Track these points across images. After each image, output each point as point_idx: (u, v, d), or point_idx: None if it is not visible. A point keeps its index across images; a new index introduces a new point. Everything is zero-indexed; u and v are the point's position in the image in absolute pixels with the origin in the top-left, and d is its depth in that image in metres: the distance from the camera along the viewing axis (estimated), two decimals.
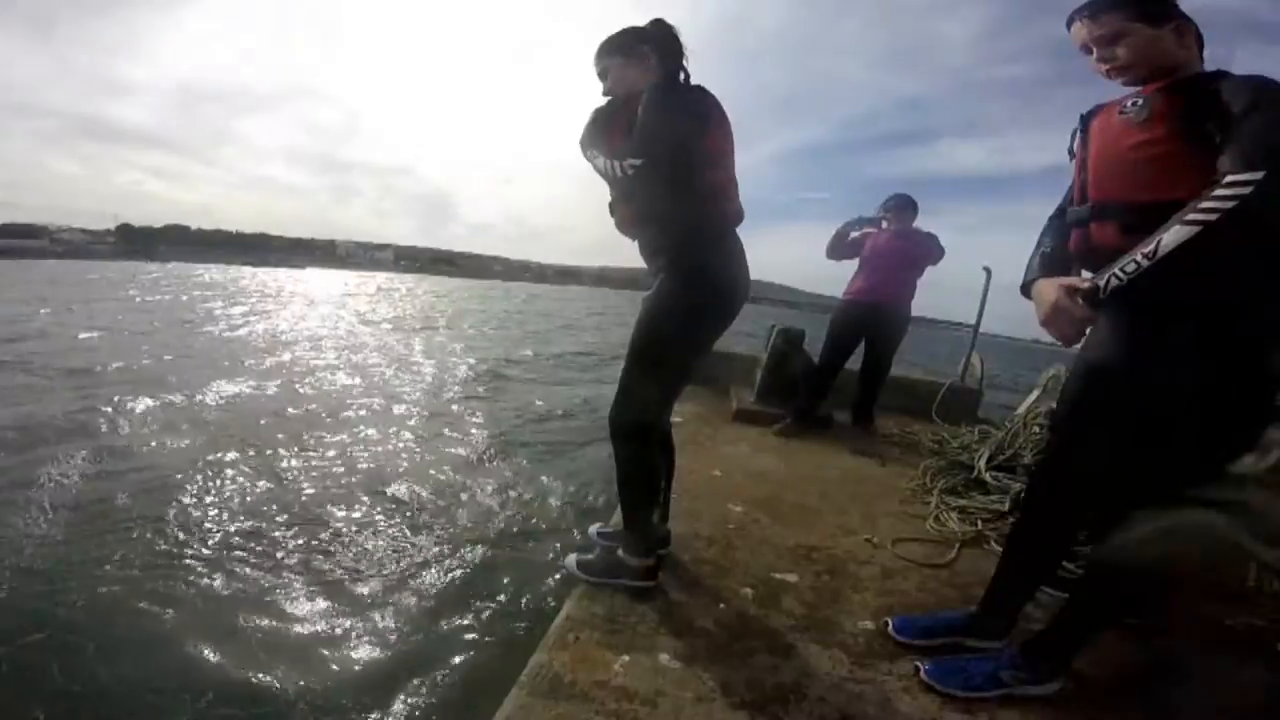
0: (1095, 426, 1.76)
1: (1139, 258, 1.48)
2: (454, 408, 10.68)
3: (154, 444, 7.12)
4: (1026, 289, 1.89)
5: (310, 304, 33.86)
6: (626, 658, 1.94)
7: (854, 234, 5.38)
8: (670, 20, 2.22)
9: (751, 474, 4.06)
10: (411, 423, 9.06)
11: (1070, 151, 1.89)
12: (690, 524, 3.12)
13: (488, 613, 3.96)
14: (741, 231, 2.35)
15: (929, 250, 5.17)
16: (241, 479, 6.16)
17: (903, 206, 5.22)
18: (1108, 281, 1.55)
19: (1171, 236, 1.43)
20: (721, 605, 2.36)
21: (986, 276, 6.34)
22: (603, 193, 2.32)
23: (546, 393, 12.19)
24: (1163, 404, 1.61)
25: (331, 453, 7.14)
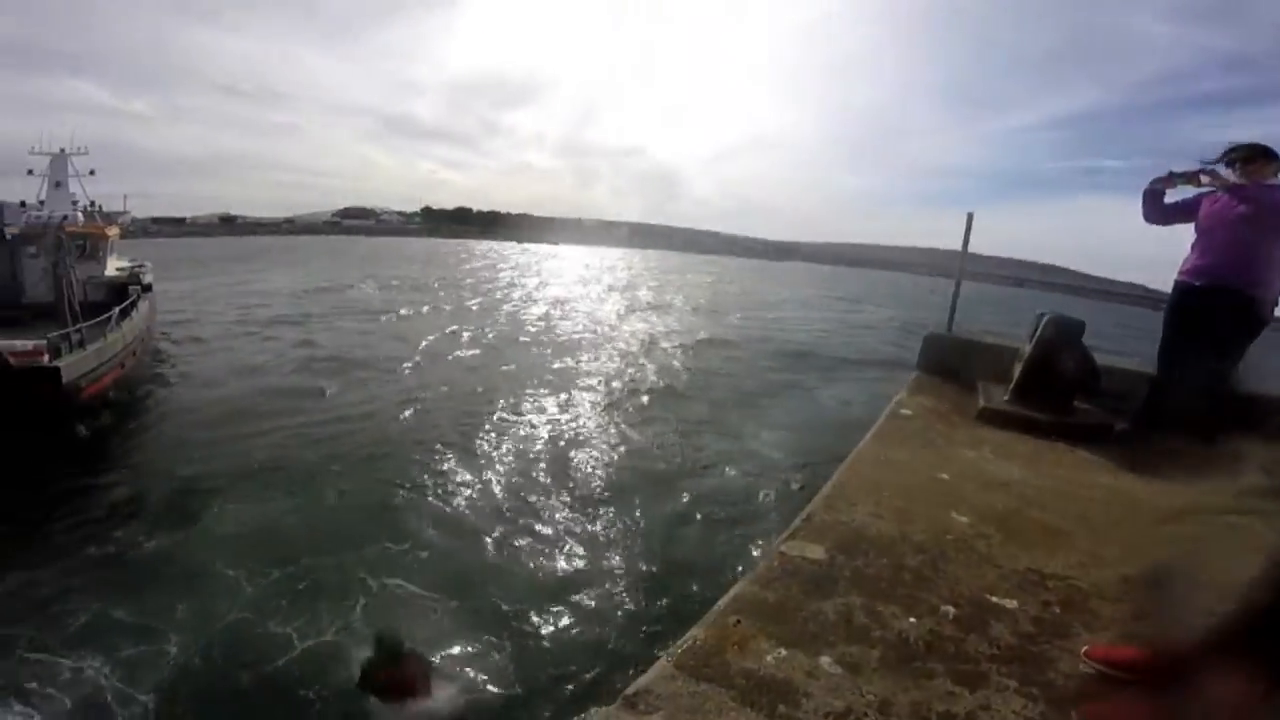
0: None
1: None
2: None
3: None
4: None
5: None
6: (784, 651, 1.86)
7: (1171, 192, 4.21)
8: None
9: (988, 483, 3.53)
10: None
11: None
12: (899, 525, 2.84)
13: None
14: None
15: None
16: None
17: (1253, 157, 3.92)
18: None
19: None
20: (912, 619, 2.11)
21: None
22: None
23: None
24: None
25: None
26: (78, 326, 11.07)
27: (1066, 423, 4.45)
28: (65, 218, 16.93)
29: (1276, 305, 3.91)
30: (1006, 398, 5.02)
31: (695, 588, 4.11)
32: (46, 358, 9.60)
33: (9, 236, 15.50)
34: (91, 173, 19.57)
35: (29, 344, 9.68)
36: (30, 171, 18.61)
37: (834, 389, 14.86)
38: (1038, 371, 4.91)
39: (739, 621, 2.00)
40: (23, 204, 17.68)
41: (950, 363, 5.82)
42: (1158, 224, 4.26)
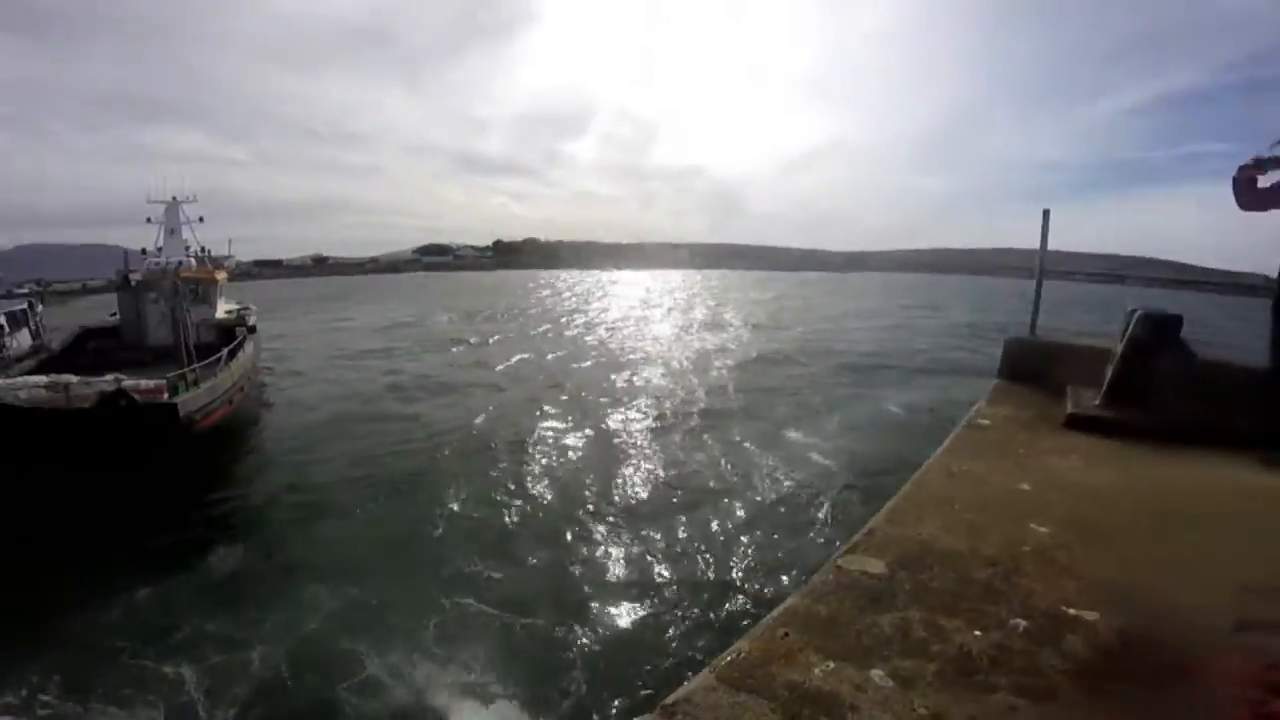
0: None
1: None
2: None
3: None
4: None
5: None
6: (832, 665, 1.78)
7: (1265, 178, 3.87)
8: None
9: (1075, 492, 3.27)
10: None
11: None
12: (969, 540, 2.67)
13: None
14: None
15: None
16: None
17: None
18: None
19: None
20: (976, 633, 1.98)
21: None
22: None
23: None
24: None
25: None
26: (193, 366, 12.23)
27: (1165, 425, 4.07)
28: (180, 264, 18.63)
29: None
30: (1098, 402, 4.66)
31: (749, 601, 4.03)
32: (166, 395, 10.63)
33: (134, 284, 17.21)
34: (200, 219, 21.36)
35: (151, 383, 10.79)
36: (149, 219, 20.47)
37: (901, 399, 14.32)
38: (1130, 372, 4.55)
39: (787, 634, 1.93)
40: (143, 251, 19.56)
41: (1034, 368, 5.46)
42: (1255, 211, 3.89)
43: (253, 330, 18.26)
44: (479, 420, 12.74)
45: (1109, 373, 4.73)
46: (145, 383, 10.78)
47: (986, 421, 4.56)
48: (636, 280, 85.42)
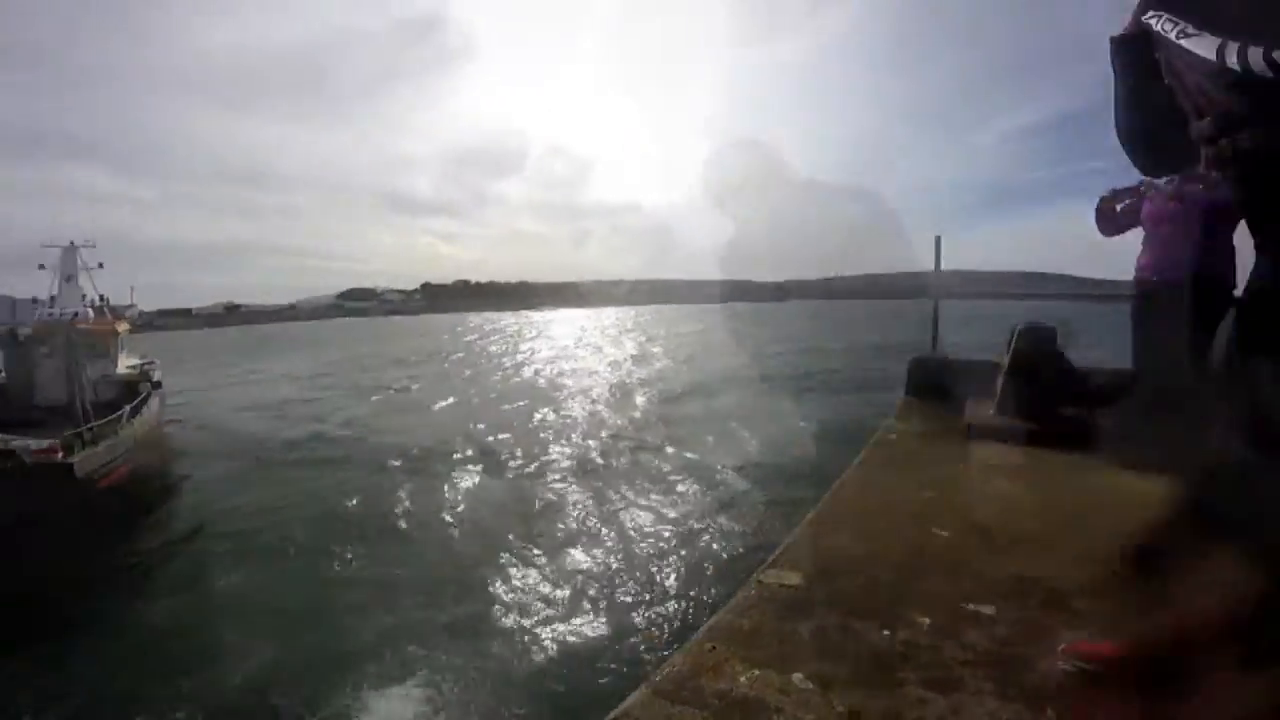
0: None
1: None
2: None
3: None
4: None
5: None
6: (757, 672, 1.90)
7: (1120, 205, 4.43)
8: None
9: (974, 497, 3.58)
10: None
11: None
12: (871, 545, 2.88)
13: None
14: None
15: (1225, 200, 3.95)
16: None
17: None
18: None
19: None
20: (885, 632, 2.15)
21: None
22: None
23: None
24: None
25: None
26: (90, 425, 11.45)
27: (1051, 430, 4.50)
28: (76, 314, 17.23)
29: (1234, 288, 4.02)
30: (991, 412, 5.09)
31: (681, 620, 4.17)
32: (61, 455, 9.92)
33: (22, 338, 15.77)
34: (100, 265, 19.69)
35: (44, 443, 10.04)
36: (42, 266, 18.57)
37: (818, 417, 14.97)
38: (1016, 383, 5.00)
39: (714, 647, 2.04)
40: (34, 300, 17.91)
41: (936, 384, 5.91)
42: (1114, 235, 4.44)
43: (158, 385, 17.10)
44: (401, 464, 12.47)
45: (999, 384, 5.19)
46: (35, 443, 10.03)
47: (894, 436, 4.89)
48: (571, 319, 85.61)
